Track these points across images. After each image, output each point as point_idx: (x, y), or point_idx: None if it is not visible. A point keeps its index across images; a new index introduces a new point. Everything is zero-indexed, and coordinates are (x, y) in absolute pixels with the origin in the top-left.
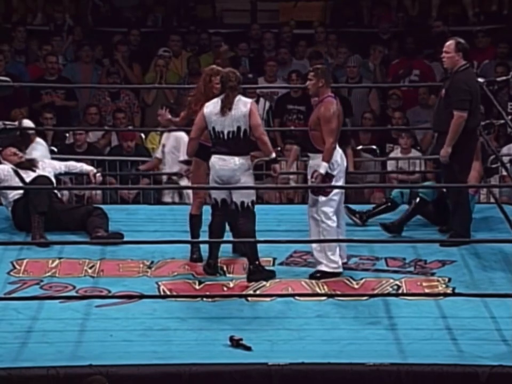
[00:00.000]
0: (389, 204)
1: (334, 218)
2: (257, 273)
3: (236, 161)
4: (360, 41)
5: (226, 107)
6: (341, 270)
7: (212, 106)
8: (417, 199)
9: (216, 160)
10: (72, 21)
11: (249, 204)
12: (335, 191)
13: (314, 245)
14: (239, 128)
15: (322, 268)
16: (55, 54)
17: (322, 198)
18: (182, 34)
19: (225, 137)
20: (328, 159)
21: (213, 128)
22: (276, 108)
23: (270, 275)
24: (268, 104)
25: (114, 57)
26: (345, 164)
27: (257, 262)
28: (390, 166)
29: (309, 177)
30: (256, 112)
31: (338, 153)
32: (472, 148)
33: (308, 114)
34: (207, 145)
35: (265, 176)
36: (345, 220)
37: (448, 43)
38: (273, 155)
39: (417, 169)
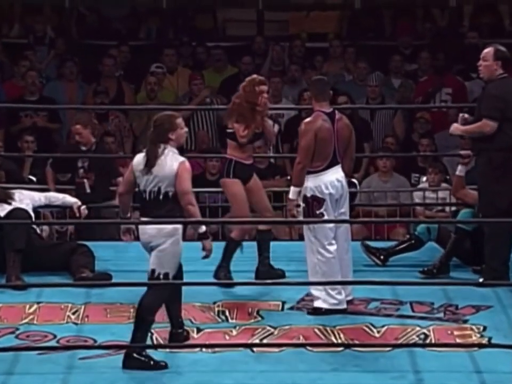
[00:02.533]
0: (413, 241)
1: (331, 248)
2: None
3: (157, 225)
4: (381, 55)
5: (148, 163)
6: (344, 306)
7: (139, 158)
8: (456, 232)
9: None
10: (54, 33)
11: (161, 276)
12: (327, 217)
13: (310, 278)
14: (159, 188)
15: (319, 304)
16: (36, 69)
17: (313, 226)
18: (177, 48)
19: (146, 196)
20: (295, 181)
21: (138, 185)
22: (285, 132)
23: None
24: (276, 127)
25: (102, 73)
26: (345, 188)
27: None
28: (417, 198)
29: (300, 203)
30: (185, 175)
31: (334, 176)
32: (510, 170)
33: None
34: (245, 163)
35: (274, 209)
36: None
37: (486, 50)
38: (203, 229)
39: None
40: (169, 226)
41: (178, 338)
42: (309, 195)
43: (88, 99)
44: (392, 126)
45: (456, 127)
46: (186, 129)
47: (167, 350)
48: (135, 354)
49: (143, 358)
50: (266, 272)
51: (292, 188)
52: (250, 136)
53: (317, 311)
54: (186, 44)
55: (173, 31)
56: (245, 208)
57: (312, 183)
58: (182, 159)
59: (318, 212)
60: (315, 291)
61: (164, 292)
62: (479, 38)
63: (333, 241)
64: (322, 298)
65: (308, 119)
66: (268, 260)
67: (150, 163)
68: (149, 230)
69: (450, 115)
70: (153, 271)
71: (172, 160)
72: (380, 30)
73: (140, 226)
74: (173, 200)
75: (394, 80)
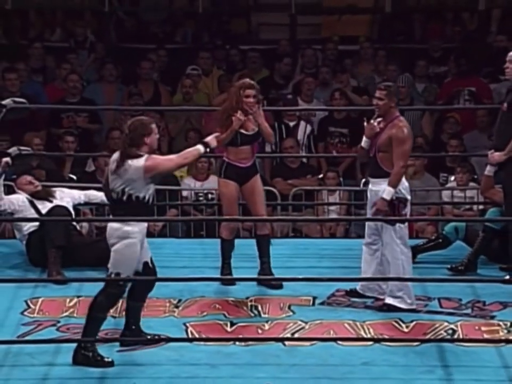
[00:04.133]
0: (441, 240)
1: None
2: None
3: (113, 225)
4: (411, 58)
5: (119, 163)
6: (415, 306)
7: (113, 157)
8: (484, 230)
9: None
10: (94, 37)
11: (112, 275)
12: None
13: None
14: (123, 190)
15: (398, 303)
16: (77, 72)
17: (400, 226)
18: (212, 51)
19: (113, 196)
20: (395, 183)
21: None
22: (319, 131)
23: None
24: (309, 127)
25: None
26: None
27: (88, 345)
28: (445, 197)
29: (372, 205)
30: (157, 160)
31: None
32: None
33: (351, 138)
34: (238, 165)
35: (305, 207)
36: None
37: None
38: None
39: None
40: (122, 229)
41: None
42: (394, 197)
43: (124, 101)
44: (420, 126)
45: (498, 156)
46: (158, 135)
47: (201, 343)
48: (82, 351)
49: (90, 354)
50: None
51: (390, 189)
52: (226, 140)
53: (390, 309)
54: (221, 47)
55: (208, 34)
56: (231, 207)
57: (400, 185)
58: (144, 158)
59: (403, 212)
60: (397, 291)
61: (114, 292)
62: (508, 41)
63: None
64: (401, 298)
65: (401, 125)
66: (268, 265)
67: (118, 164)
68: (107, 228)
69: (479, 116)
70: (107, 269)
71: (136, 163)
72: (410, 33)
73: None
74: (137, 202)
75: (418, 85)
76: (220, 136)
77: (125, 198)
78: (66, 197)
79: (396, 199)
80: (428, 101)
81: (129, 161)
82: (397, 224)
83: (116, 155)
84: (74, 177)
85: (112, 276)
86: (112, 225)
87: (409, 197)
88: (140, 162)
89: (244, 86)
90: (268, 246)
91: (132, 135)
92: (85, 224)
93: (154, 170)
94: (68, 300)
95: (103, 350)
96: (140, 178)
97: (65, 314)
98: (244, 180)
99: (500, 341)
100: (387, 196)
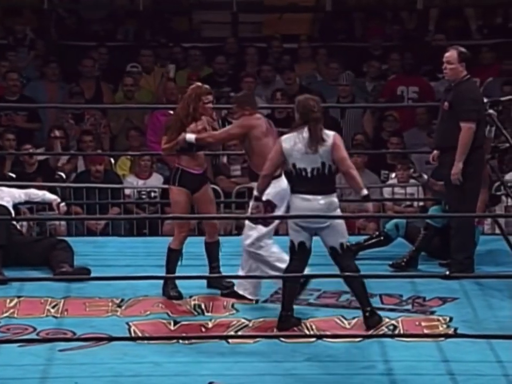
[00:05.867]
0: (382, 237)
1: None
2: (374, 316)
3: (321, 200)
4: (352, 56)
5: (315, 142)
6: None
7: (291, 141)
8: (426, 228)
9: (299, 201)
10: (34, 34)
11: (348, 245)
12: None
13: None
14: (323, 164)
15: (240, 290)
16: (16, 70)
17: (264, 229)
18: (154, 49)
19: (309, 174)
20: (259, 187)
21: (294, 165)
22: None
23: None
24: None
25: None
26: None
27: (369, 308)
28: (386, 194)
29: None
30: (341, 144)
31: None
32: (479, 168)
33: None
34: (192, 172)
35: (248, 205)
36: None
37: (449, 53)
38: (365, 192)
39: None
40: (336, 200)
41: (286, 321)
42: (265, 198)
43: (65, 101)
44: (362, 124)
45: (455, 168)
46: None
47: (145, 342)
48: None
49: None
50: (217, 281)
51: (254, 192)
52: (175, 148)
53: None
54: (163, 45)
55: (150, 32)
56: None
57: (269, 189)
58: (333, 132)
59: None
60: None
61: (353, 255)
62: (446, 40)
63: None
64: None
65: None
66: (218, 270)
67: (316, 142)
68: (318, 207)
69: (418, 114)
70: (341, 244)
71: (327, 136)
72: (350, 32)
73: (304, 204)
74: (333, 172)
75: (368, 84)
76: (169, 144)
77: (326, 171)
78: (6, 196)
79: (266, 201)
80: (377, 100)
81: (324, 136)
82: (262, 226)
83: (290, 137)
84: (14, 175)
85: (347, 244)
86: (329, 200)
87: (278, 204)
88: (328, 137)
89: (205, 92)
90: (218, 252)
91: (321, 112)
92: (24, 223)
93: (334, 149)
94: (8, 300)
95: (43, 349)
96: (329, 149)
97: (5, 314)
98: (196, 187)
99: (439, 335)
100: (254, 193)
